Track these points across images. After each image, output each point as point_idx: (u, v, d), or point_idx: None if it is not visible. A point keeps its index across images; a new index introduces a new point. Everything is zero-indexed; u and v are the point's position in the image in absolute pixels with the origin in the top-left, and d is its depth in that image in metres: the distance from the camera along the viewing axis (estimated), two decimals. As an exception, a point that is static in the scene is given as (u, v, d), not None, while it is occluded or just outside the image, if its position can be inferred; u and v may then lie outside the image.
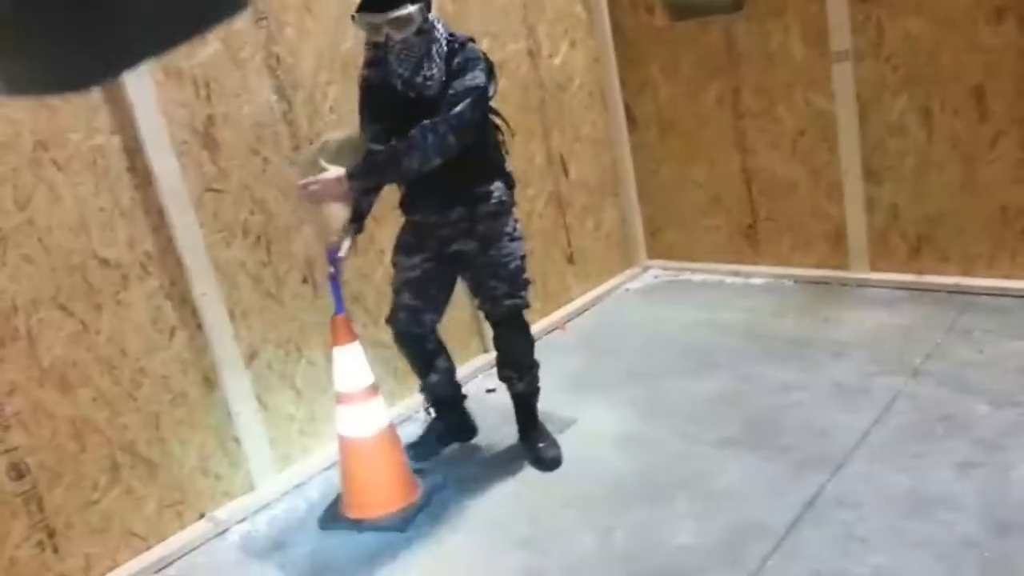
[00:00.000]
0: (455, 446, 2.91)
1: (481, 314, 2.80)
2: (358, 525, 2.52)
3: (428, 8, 2.32)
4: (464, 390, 2.95)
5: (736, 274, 3.98)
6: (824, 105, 3.53)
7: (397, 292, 2.67)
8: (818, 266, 3.75)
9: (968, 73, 3.15)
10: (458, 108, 2.31)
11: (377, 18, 2.25)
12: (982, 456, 2.31)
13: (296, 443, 2.93)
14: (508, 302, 2.59)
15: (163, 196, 2.52)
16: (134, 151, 2.48)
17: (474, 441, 2.93)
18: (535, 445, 2.74)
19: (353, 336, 2.51)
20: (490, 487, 2.63)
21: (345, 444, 2.53)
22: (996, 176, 3.20)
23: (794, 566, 2.03)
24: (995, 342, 2.90)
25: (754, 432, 2.65)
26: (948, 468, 2.28)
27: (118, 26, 0.32)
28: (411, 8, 2.23)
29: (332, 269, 2.51)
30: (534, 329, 3.58)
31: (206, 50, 2.62)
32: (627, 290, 4.13)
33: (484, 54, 2.44)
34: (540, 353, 2.80)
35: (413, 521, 2.52)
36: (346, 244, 2.49)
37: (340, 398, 2.52)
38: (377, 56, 2.39)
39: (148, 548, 2.56)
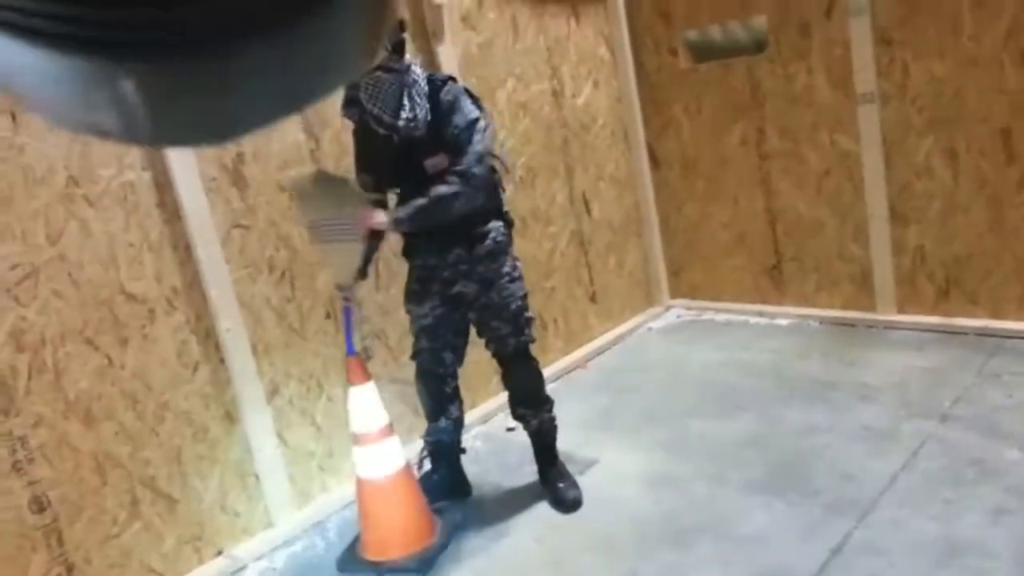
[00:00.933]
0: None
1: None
2: (377, 568, 2.49)
3: (399, 49, 2.30)
4: (475, 435, 2.92)
5: (760, 314, 3.95)
6: (850, 146, 3.52)
7: (417, 338, 2.69)
8: (844, 307, 3.72)
9: (994, 115, 3.14)
10: (474, 145, 2.37)
11: None
12: (1014, 503, 2.24)
13: (315, 480, 2.92)
14: (513, 341, 2.60)
15: (191, 231, 2.56)
16: (164, 187, 2.52)
17: (495, 480, 2.90)
18: (555, 485, 2.70)
19: (367, 376, 2.51)
20: (510, 529, 2.59)
21: (362, 485, 2.52)
22: (1024, 218, 3.17)
23: (822, 615, 1.98)
24: (1026, 386, 2.84)
25: (780, 475, 2.60)
26: (979, 514, 2.22)
27: (245, 100, 0.36)
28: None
29: (346, 309, 2.53)
30: (556, 367, 3.59)
31: (236, 90, 2.67)
32: (650, 329, 4.10)
33: (467, 89, 2.48)
34: (562, 391, 2.79)
35: (433, 563, 2.49)
36: (356, 288, 2.51)
37: (356, 439, 2.51)
38: (351, 95, 2.38)
39: (166, 584, 2.55)
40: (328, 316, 2.93)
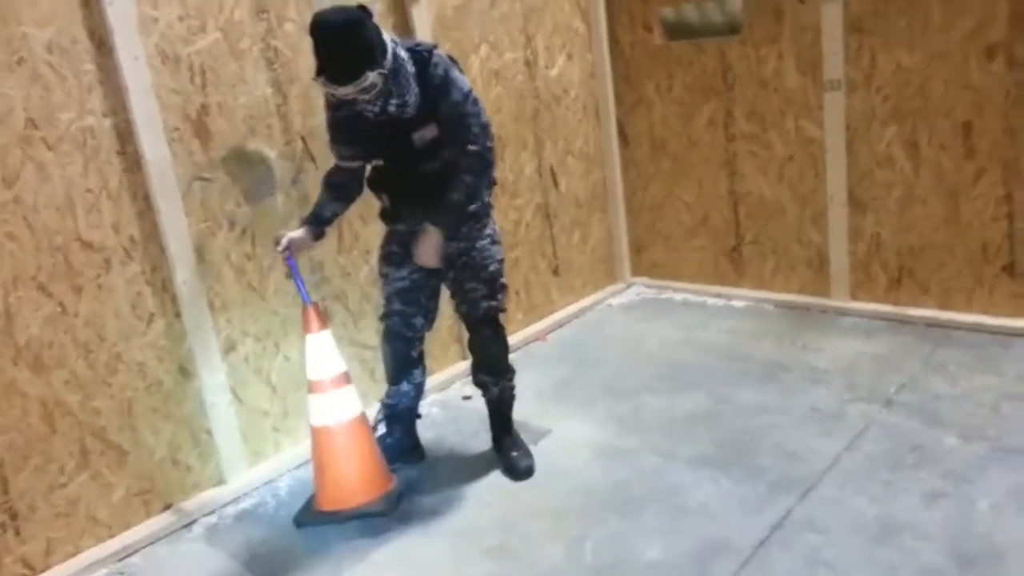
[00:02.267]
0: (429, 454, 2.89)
1: (461, 321, 2.79)
2: (338, 516, 2.49)
3: (384, 52, 2.22)
4: (431, 402, 2.93)
5: (718, 295, 4.01)
6: (814, 132, 3.57)
7: (389, 300, 2.68)
8: (799, 292, 3.79)
9: (957, 109, 3.20)
10: (478, 117, 2.41)
11: (340, 91, 2.19)
12: (950, 487, 2.33)
13: (269, 439, 2.91)
14: (485, 304, 2.61)
15: (151, 182, 2.51)
16: (125, 135, 2.47)
17: (449, 446, 2.93)
18: (508, 454, 2.74)
19: (324, 324, 2.51)
20: (462, 493, 2.62)
21: (317, 434, 2.51)
22: (978, 212, 3.25)
23: (760, 586, 2.04)
24: (969, 376, 2.93)
25: (728, 452, 2.66)
26: (916, 497, 2.31)
27: None
28: (371, 76, 2.17)
29: (288, 260, 2.53)
30: (516, 338, 3.61)
31: (205, 38, 2.61)
32: (610, 305, 4.14)
33: (450, 57, 2.45)
34: (520, 362, 2.81)
35: (397, 505, 2.51)
36: (285, 239, 2.51)
37: (312, 386, 2.50)
38: (342, 101, 2.29)
39: (112, 536, 2.53)
40: (288, 276, 2.91)
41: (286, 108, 2.85)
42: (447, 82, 2.36)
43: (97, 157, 2.43)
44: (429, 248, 2.47)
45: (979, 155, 3.20)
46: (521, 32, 3.68)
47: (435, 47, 2.42)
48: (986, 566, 2.01)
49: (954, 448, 2.52)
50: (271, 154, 2.77)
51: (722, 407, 2.96)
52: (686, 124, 3.96)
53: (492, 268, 2.60)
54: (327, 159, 2.96)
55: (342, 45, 2.16)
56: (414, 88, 2.32)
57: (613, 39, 4.06)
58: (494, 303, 2.63)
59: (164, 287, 2.59)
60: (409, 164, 2.46)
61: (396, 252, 2.62)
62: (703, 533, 2.27)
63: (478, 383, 2.76)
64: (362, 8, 2.23)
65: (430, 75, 2.34)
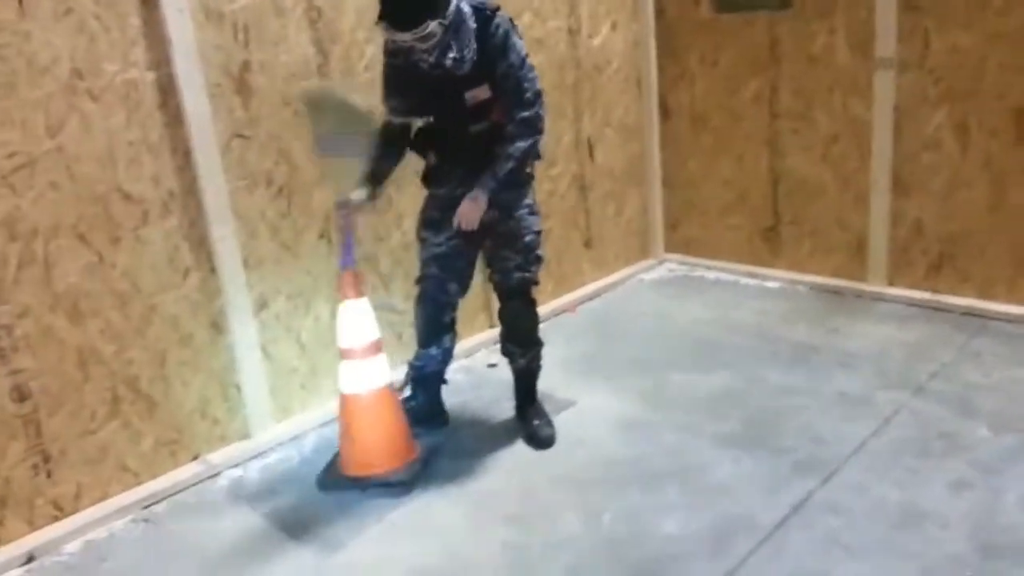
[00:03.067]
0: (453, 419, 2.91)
1: (491, 288, 2.80)
2: (360, 483, 2.52)
3: (447, 2, 2.23)
4: (456, 368, 2.98)
5: (752, 275, 3.96)
6: (861, 112, 3.49)
7: (425, 264, 2.68)
8: (835, 275, 3.73)
9: (1011, 93, 3.10)
10: (533, 83, 2.42)
11: (400, 36, 2.22)
12: (977, 478, 2.29)
13: (296, 396, 2.95)
14: (518, 275, 2.60)
15: (192, 136, 2.53)
16: (167, 89, 2.49)
17: (472, 413, 2.95)
18: (531, 423, 2.75)
19: (360, 292, 2.52)
20: (483, 460, 2.64)
21: (346, 401, 2.55)
22: (1025, 200, 3.16)
23: (775, 565, 2.04)
24: (1004, 367, 2.87)
25: (752, 431, 2.65)
26: (941, 486, 2.28)
27: None
28: (432, 24, 2.19)
29: (342, 222, 2.51)
30: (545, 309, 3.61)
31: (249, -4, 2.62)
32: (641, 280, 4.12)
33: (511, 20, 2.43)
34: (548, 333, 2.80)
35: (417, 479, 2.54)
36: (358, 197, 2.48)
37: (344, 353, 2.53)
38: (400, 48, 2.31)
39: (139, 483, 2.59)
40: (322, 236, 2.93)
41: (327, 67, 2.85)
42: (506, 44, 2.36)
43: (139, 110, 2.45)
44: (471, 212, 2.46)
45: (1028, 141, 3.10)
46: (566, 0, 3.62)
47: (499, 8, 2.41)
48: (1011, 559, 1.99)
49: (984, 438, 2.48)
50: (373, 121, 2.58)
51: (749, 387, 2.94)
52: (729, 99, 3.89)
53: (528, 238, 2.59)
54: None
55: None
56: (473, 45, 2.32)
57: (659, 9, 3.98)
58: (528, 274, 2.62)
59: (200, 242, 2.63)
60: (458, 123, 2.46)
61: (435, 217, 2.62)
62: (722, 510, 2.27)
63: (506, 352, 2.77)
64: None
65: (490, 34, 2.34)
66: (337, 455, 2.63)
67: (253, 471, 2.71)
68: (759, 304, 3.67)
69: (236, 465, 2.73)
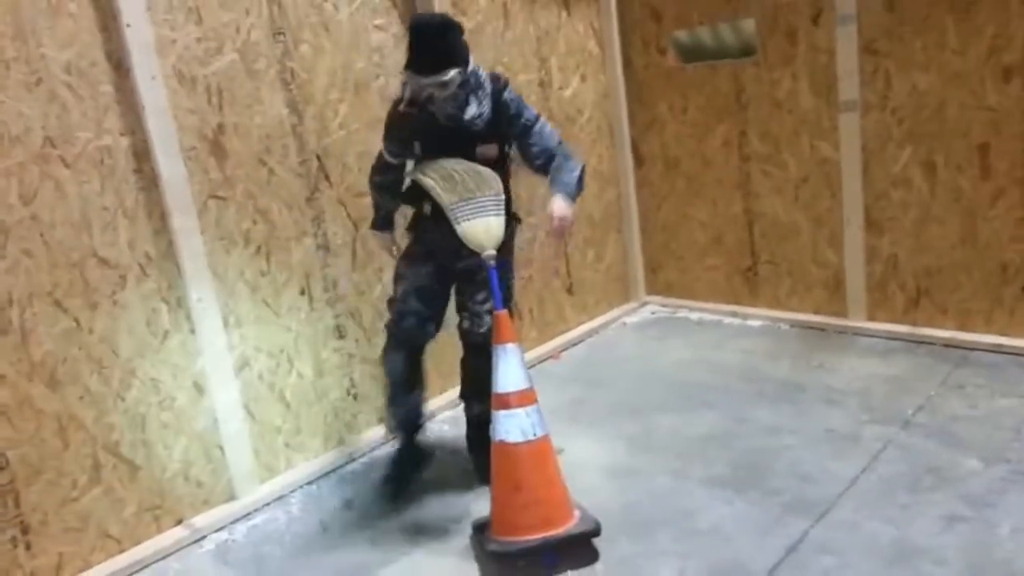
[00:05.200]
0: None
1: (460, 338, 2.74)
2: (547, 543, 2.24)
3: (467, 60, 2.48)
4: (442, 420, 3.03)
5: (733, 315, 3.98)
6: (829, 153, 3.56)
7: (403, 299, 2.65)
8: (815, 312, 3.76)
9: (973, 130, 3.18)
10: (551, 132, 2.66)
11: (424, 81, 2.43)
12: (969, 511, 2.28)
13: (281, 454, 2.91)
14: (489, 320, 2.57)
15: (167, 200, 2.54)
16: (142, 154, 2.50)
17: (461, 464, 2.91)
18: (481, 455, 2.65)
19: (515, 334, 2.39)
20: (474, 511, 2.60)
21: (509, 451, 2.29)
22: (996, 233, 3.22)
23: (773, 610, 2.01)
24: (988, 398, 2.89)
25: (742, 473, 2.63)
26: (934, 521, 2.26)
27: None
28: (452, 72, 2.41)
29: (492, 270, 2.44)
30: (529, 356, 3.60)
31: (222, 59, 2.65)
32: (624, 324, 4.13)
33: None
34: (533, 381, 2.79)
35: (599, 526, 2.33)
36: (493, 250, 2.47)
37: (504, 401, 2.32)
38: (418, 97, 2.50)
39: (122, 551, 2.53)
40: (302, 292, 2.93)
41: (301, 128, 2.88)
42: (520, 106, 2.62)
43: (114, 175, 2.46)
44: (567, 208, 2.56)
45: (997, 176, 3.17)
46: (535, 54, 3.70)
47: (506, 79, 2.66)
48: (1007, 592, 1.97)
49: (974, 471, 2.47)
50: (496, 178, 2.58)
51: (736, 427, 2.93)
52: (700, 144, 3.96)
53: (511, 283, 2.70)
54: (342, 177, 3.00)
55: (434, 40, 2.44)
56: (488, 105, 2.55)
57: (627, 61, 4.07)
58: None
59: (179, 304, 2.61)
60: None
61: (420, 252, 2.67)
62: (717, 555, 2.24)
63: (464, 397, 2.82)
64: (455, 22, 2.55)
65: (504, 100, 2.58)
66: (487, 519, 2.39)
67: (239, 534, 2.65)
68: (742, 343, 3.68)
69: (221, 528, 2.67)
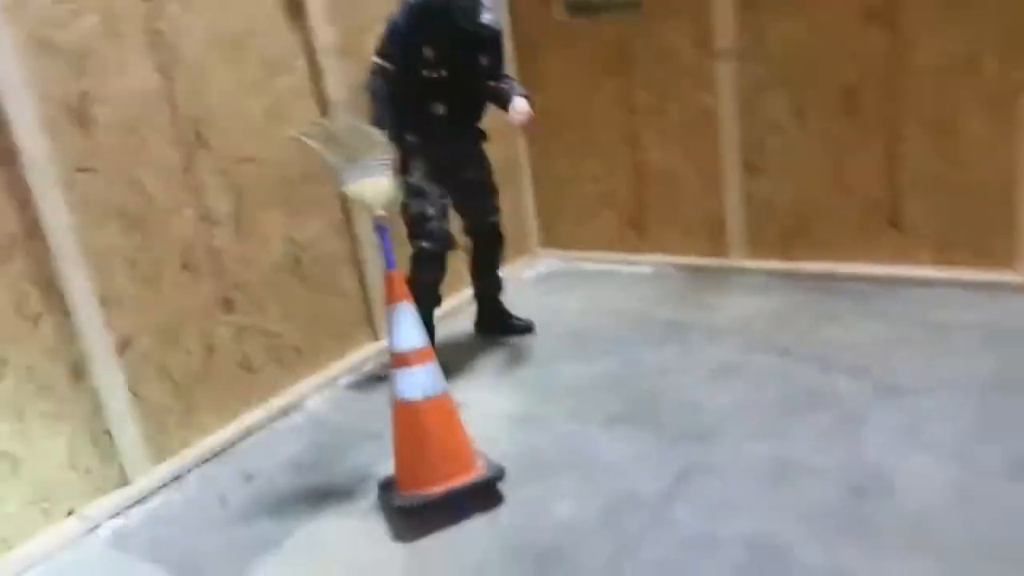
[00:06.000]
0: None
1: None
2: (451, 495, 2.29)
3: None
4: (352, 377, 3.17)
5: (625, 263, 4.11)
6: (709, 103, 3.68)
7: (429, 219, 2.97)
8: (700, 255, 3.92)
9: (840, 75, 3.35)
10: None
11: None
12: (843, 427, 2.46)
13: (175, 435, 2.83)
14: (492, 219, 3.23)
15: (29, 175, 2.39)
16: (-2, 127, 2.35)
17: (362, 431, 2.90)
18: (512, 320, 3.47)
19: (406, 293, 2.38)
20: (374, 472, 2.60)
21: (411, 409, 2.31)
22: (863, 172, 3.42)
23: (666, 535, 2.11)
24: (856, 323, 3.10)
25: (636, 411, 2.74)
26: (811, 439, 2.42)
27: None
28: None
29: (381, 228, 2.42)
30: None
31: (82, 22, 2.50)
32: (520, 278, 4.18)
33: None
34: (436, 333, 2.90)
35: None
36: (385, 211, 2.45)
37: (400, 359, 2.32)
38: (439, 8, 2.84)
39: (10, 550, 2.41)
40: (185, 267, 2.83)
41: (174, 93, 2.75)
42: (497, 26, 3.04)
43: (-34, 151, 2.30)
44: (527, 105, 2.96)
45: (863, 118, 3.37)
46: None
47: None
48: (878, 497, 2.13)
49: (847, 391, 2.65)
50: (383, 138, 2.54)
51: (630, 370, 3.04)
52: (588, 99, 4.02)
53: (494, 179, 3.22)
54: (222, 143, 2.89)
55: None
56: (491, 15, 2.97)
57: (514, 15, 4.07)
58: (499, 214, 3.26)
59: (50, 285, 2.48)
60: (473, 80, 3.00)
61: (434, 174, 2.99)
62: (613, 489, 2.33)
63: (482, 286, 3.45)
64: None
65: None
66: (393, 481, 2.41)
67: (135, 519, 2.57)
68: (634, 290, 3.81)
69: (116, 515, 2.58)
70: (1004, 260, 3.21)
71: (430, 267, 3.01)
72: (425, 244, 2.98)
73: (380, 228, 2.44)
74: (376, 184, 2.44)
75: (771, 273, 3.67)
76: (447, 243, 3.03)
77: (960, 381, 2.61)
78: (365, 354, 3.41)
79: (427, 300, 2.97)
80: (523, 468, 2.50)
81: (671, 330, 3.31)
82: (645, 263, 4.05)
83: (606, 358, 3.15)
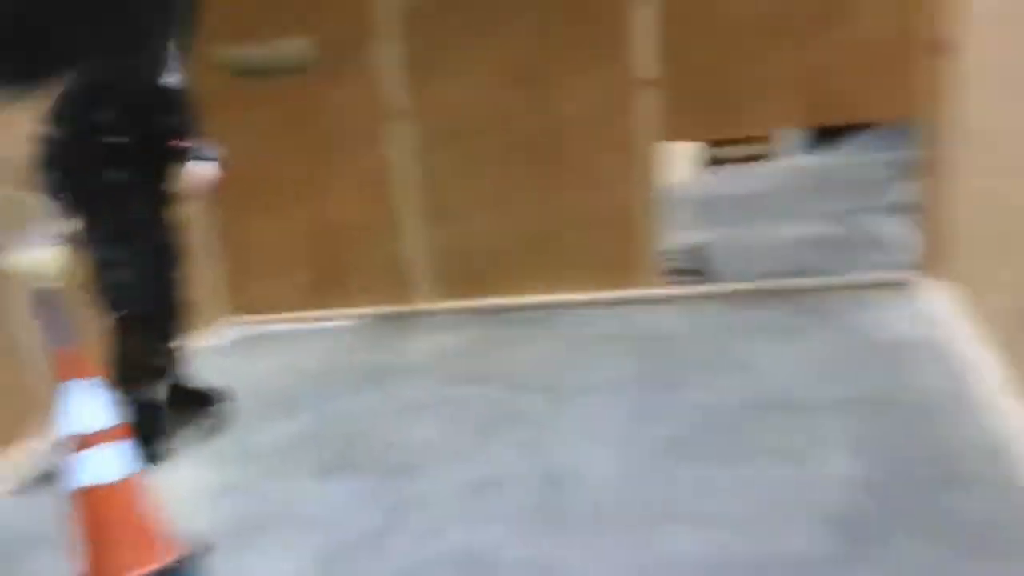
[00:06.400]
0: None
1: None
2: None
3: None
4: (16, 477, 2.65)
5: (318, 319, 4.14)
6: (385, 158, 3.90)
7: (119, 281, 2.73)
8: (391, 303, 4.09)
9: (500, 129, 3.76)
10: None
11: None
12: (536, 436, 2.72)
13: None
14: (177, 287, 2.93)
15: None
16: None
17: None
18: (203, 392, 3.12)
19: (89, 370, 2.13)
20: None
21: (93, 497, 2.09)
22: (526, 215, 3.85)
23: (381, 569, 2.15)
24: (531, 346, 3.48)
25: (340, 459, 2.76)
26: (507, 452, 2.64)
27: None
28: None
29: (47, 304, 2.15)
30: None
31: None
32: (212, 347, 4.01)
33: None
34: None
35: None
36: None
37: (80, 442, 2.09)
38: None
39: None
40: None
41: None
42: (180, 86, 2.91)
43: None
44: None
45: (518, 166, 3.80)
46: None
47: None
48: (567, 489, 2.39)
49: (532, 404, 2.94)
50: None
51: (330, 420, 3.06)
52: (271, 159, 4.03)
53: (182, 245, 2.98)
54: None
55: None
56: None
57: (197, 75, 3.94)
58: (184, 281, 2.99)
59: None
60: (155, 144, 2.79)
61: (115, 236, 2.72)
62: (326, 537, 2.31)
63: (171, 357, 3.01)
64: None
65: None
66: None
67: None
68: (328, 345, 3.85)
69: None
70: (633, 280, 3.81)
71: (133, 336, 2.80)
72: (122, 312, 2.77)
73: (46, 303, 2.23)
74: (42, 256, 2.25)
75: (457, 312, 3.95)
76: (147, 307, 2.83)
77: (616, 381, 3.04)
78: (34, 448, 3.02)
79: (137, 374, 2.78)
80: (233, 536, 2.38)
81: (367, 377, 3.40)
82: (338, 317, 4.12)
83: (305, 414, 3.14)
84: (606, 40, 3.59)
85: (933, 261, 3.39)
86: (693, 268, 4.14)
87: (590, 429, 2.72)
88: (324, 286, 4.16)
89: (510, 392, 3.05)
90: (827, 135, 6.40)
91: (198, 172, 2.83)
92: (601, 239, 3.81)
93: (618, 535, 2.14)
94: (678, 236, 4.34)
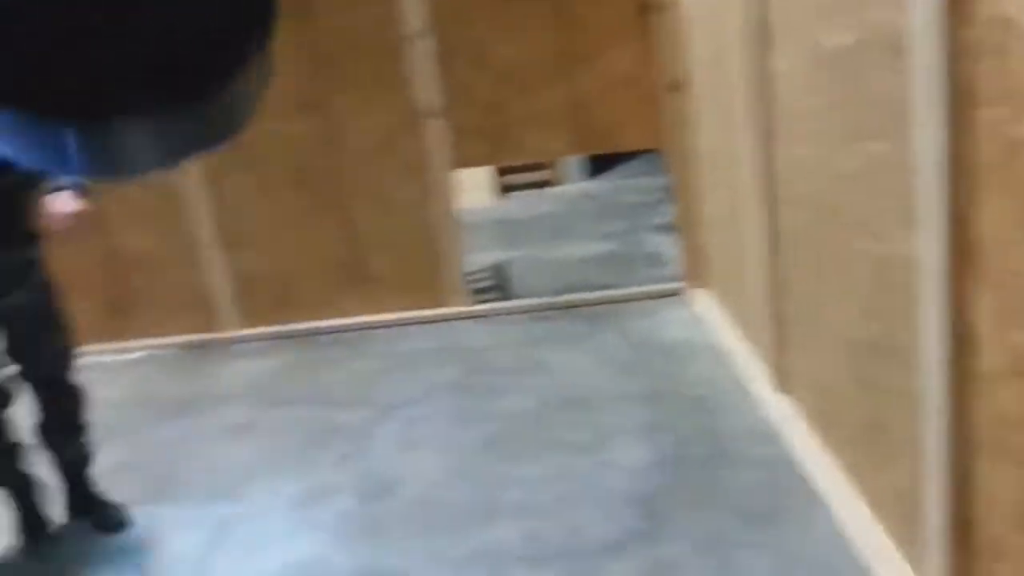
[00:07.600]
0: None
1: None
2: None
3: None
4: None
5: (112, 351, 3.95)
6: (176, 183, 3.81)
7: None
8: (194, 332, 4.00)
9: (291, 156, 3.82)
10: None
11: None
12: (352, 448, 2.83)
13: None
14: (57, 361, 2.45)
15: None
16: None
17: None
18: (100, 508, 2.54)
19: None
20: None
21: None
22: (329, 239, 3.93)
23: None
24: (346, 365, 3.56)
25: (158, 488, 2.71)
26: (329, 466, 2.74)
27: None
28: None
29: None
30: None
31: None
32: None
33: None
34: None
35: None
36: None
37: None
38: None
39: None
40: None
41: None
42: None
43: None
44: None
45: (317, 193, 3.88)
46: None
47: None
48: (388, 497, 2.53)
49: (351, 419, 3.04)
50: None
51: (146, 450, 2.99)
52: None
53: (59, 305, 2.45)
54: None
55: None
56: None
57: None
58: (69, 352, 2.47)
59: None
60: (7, 184, 2.19)
61: None
62: (150, 564, 2.30)
63: (61, 454, 2.50)
64: None
65: None
66: None
67: None
68: (129, 376, 3.70)
69: None
70: (440, 299, 4.00)
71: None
72: None
73: None
74: None
75: (266, 337, 3.94)
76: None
77: (434, 391, 3.22)
78: None
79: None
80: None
81: (179, 405, 3.33)
82: (134, 349, 3.96)
83: (120, 444, 3.03)
84: (387, 72, 3.75)
85: (694, 272, 3.90)
86: (494, 286, 4.43)
87: (410, 437, 2.88)
88: (117, 317, 3.98)
89: (329, 410, 3.14)
90: (602, 162, 7.01)
91: (56, 205, 2.28)
92: (406, 262, 3.97)
93: (442, 533, 2.32)
94: (479, 257, 4.62)
